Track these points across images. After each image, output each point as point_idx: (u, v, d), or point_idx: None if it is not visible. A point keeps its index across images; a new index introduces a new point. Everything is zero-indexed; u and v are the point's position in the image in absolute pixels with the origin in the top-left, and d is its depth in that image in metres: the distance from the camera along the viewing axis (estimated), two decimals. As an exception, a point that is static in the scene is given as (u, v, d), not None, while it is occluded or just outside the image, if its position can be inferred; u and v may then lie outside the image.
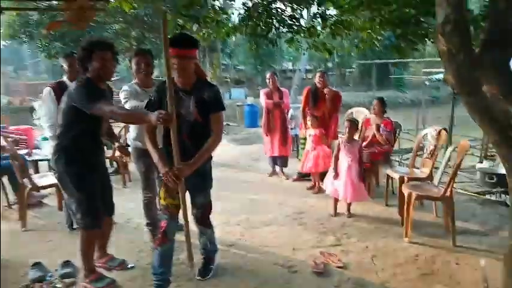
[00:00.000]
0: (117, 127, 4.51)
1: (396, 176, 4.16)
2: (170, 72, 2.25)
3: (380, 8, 3.68)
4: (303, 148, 5.31)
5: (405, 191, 3.61)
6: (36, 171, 4.88)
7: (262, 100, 5.48)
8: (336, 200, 4.11)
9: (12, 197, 4.41)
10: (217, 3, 5.00)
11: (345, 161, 4.06)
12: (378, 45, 4.73)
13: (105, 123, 2.79)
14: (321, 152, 4.88)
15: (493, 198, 4.47)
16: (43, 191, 4.31)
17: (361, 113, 5.46)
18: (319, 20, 4.57)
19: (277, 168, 5.74)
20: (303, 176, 5.38)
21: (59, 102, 2.70)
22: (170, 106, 2.24)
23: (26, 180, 3.79)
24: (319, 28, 4.69)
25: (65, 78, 3.50)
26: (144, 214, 3.43)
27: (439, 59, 2.10)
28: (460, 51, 1.88)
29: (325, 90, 5.02)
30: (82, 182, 2.58)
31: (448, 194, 3.38)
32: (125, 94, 3.18)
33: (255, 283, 2.79)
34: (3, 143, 3.93)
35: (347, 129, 4.15)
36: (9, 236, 3.59)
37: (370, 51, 10.01)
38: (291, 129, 6.36)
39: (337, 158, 4.12)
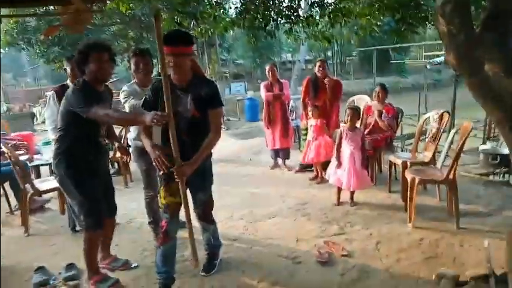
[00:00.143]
0: (117, 128, 4.50)
1: (399, 161, 4.12)
2: (166, 71, 2.22)
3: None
4: (305, 139, 5.26)
5: (408, 176, 3.58)
6: (38, 176, 4.88)
7: (262, 93, 5.43)
8: (339, 189, 4.08)
9: (14, 202, 4.41)
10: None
11: (347, 149, 4.01)
12: (377, 31, 4.67)
13: (104, 125, 2.78)
14: (322, 142, 4.84)
15: (497, 178, 4.43)
16: (45, 196, 4.31)
17: (362, 100, 5.40)
18: (317, 9, 4.52)
19: (280, 161, 5.71)
20: (305, 168, 5.35)
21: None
22: (167, 105, 2.20)
23: (27, 186, 3.79)
24: (317, 17, 4.64)
25: (68, 82, 3.49)
26: (147, 212, 3.43)
27: (440, 42, 2.07)
28: (461, 32, 1.85)
29: (326, 80, 4.94)
30: (83, 185, 2.58)
31: (451, 176, 3.35)
32: (125, 94, 3.19)
33: (260, 276, 2.78)
34: (4, 149, 3.94)
35: (349, 117, 4.06)
36: (13, 242, 3.60)
37: (369, 37, 9.91)
38: (292, 120, 6.33)
39: (339, 148, 4.08)
